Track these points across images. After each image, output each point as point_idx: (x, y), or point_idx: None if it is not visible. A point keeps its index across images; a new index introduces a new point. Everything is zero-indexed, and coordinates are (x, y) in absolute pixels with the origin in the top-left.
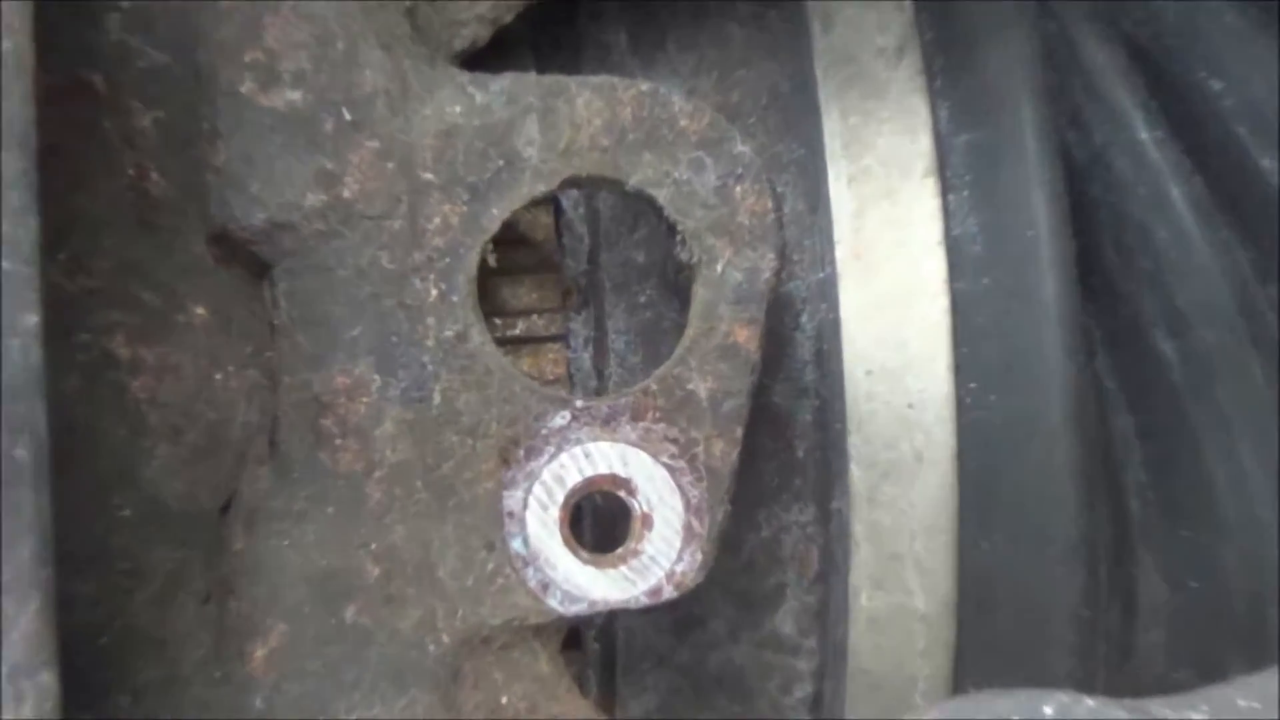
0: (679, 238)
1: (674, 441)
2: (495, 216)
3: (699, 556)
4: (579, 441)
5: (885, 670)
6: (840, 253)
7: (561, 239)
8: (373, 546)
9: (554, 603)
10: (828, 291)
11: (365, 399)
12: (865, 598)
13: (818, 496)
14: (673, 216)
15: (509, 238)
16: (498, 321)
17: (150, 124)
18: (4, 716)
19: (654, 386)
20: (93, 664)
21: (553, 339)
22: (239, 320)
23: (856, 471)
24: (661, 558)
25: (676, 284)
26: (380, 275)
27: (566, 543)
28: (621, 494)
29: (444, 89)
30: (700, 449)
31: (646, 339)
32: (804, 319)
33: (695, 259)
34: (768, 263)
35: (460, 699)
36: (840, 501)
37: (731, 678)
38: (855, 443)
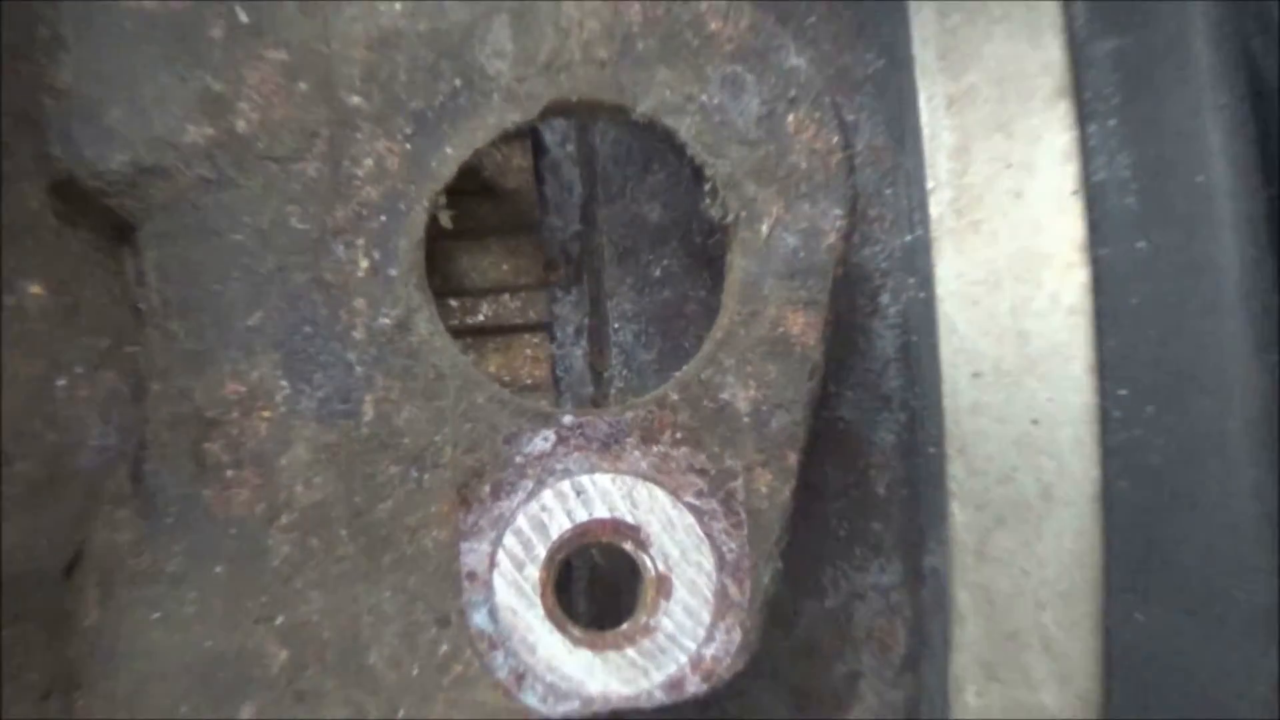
0: (708, 186)
1: (702, 473)
2: (450, 158)
3: (737, 635)
4: (568, 473)
5: None
6: (936, 206)
7: (543, 188)
8: (278, 621)
9: (533, 700)
10: (918, 261)
11: (267, 414)
12: (973, 693)
13: (904, 550)
14: (700, 157)
15: (470, 188)
16: (454, 304)
17: None
18: None
19: (674, 396)
20: None
21: (531, 328)
22: (89, 303)
23: (960, 515)
24: (684, 637)
25: (705, 251)
26: (288, 240)
27: (550, 615)
28: (628, 547)
29: None
30: (739, 484)
31: (663, 329)
32: (884, 300)
33: (731, 216)
34: (833, 221)
35: None
36: (937, 557)
37: None
38: (957, 474)
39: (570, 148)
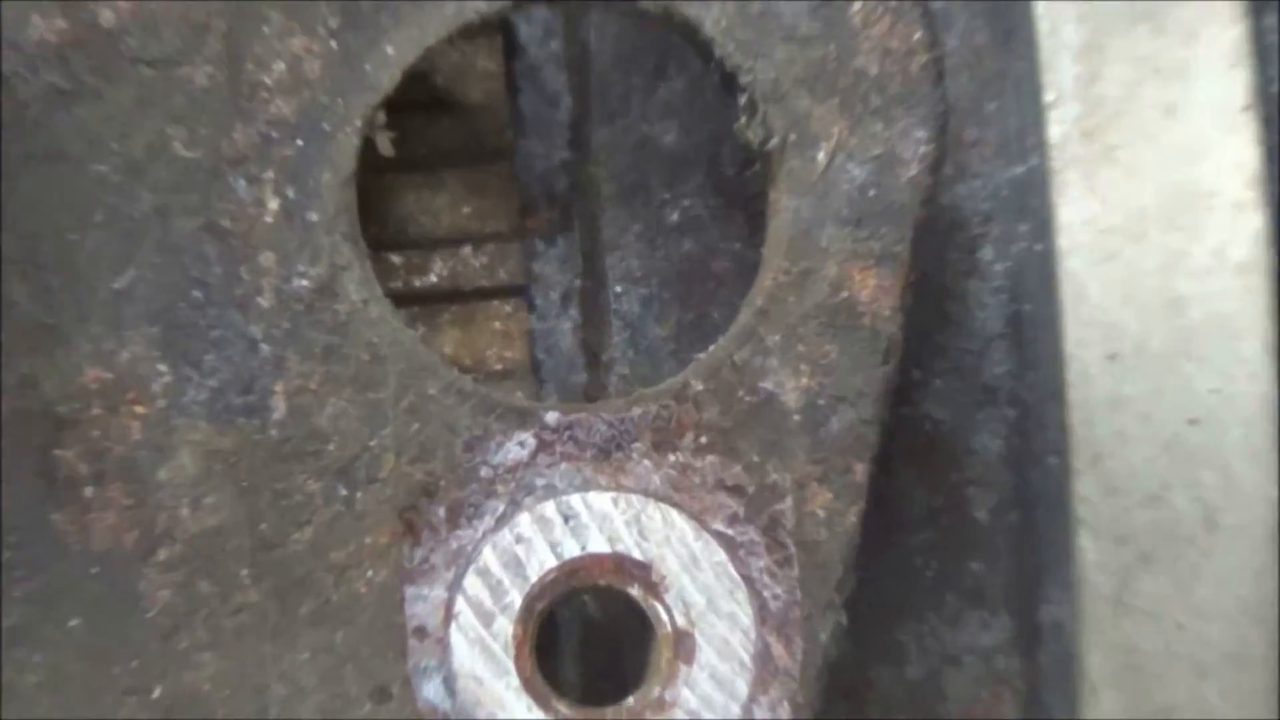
0: (744, 100)
1: (736, 491)
2: (391, 60)
3: (785, 712)
4: (553, 491)
5: None
6: (1057, 127)
7: (518, 102)
8: (155, 694)
9: None
10: (1032, 202)
11: (141, 409)
12: None
13: (1014, 599)
14: (732, 59)
15: (419, 101)
16: (397, 260)
17: None
18: None
19: (697, 385)
20: None
21: (502, 293)
22: None
23: (1092, 549)
24: (713, 714)
25: (739, 188)
26: (170, 173)
27: (528, 687)
28: (635, 592)
29: None
30: (787, 505)
31: (682, 294)
32: (986, 255)
33: (776, 141)
34: (914, 147)
35: None
36: (1059, 608)
37: None
38: (1088, 493)
39: (555, 46)
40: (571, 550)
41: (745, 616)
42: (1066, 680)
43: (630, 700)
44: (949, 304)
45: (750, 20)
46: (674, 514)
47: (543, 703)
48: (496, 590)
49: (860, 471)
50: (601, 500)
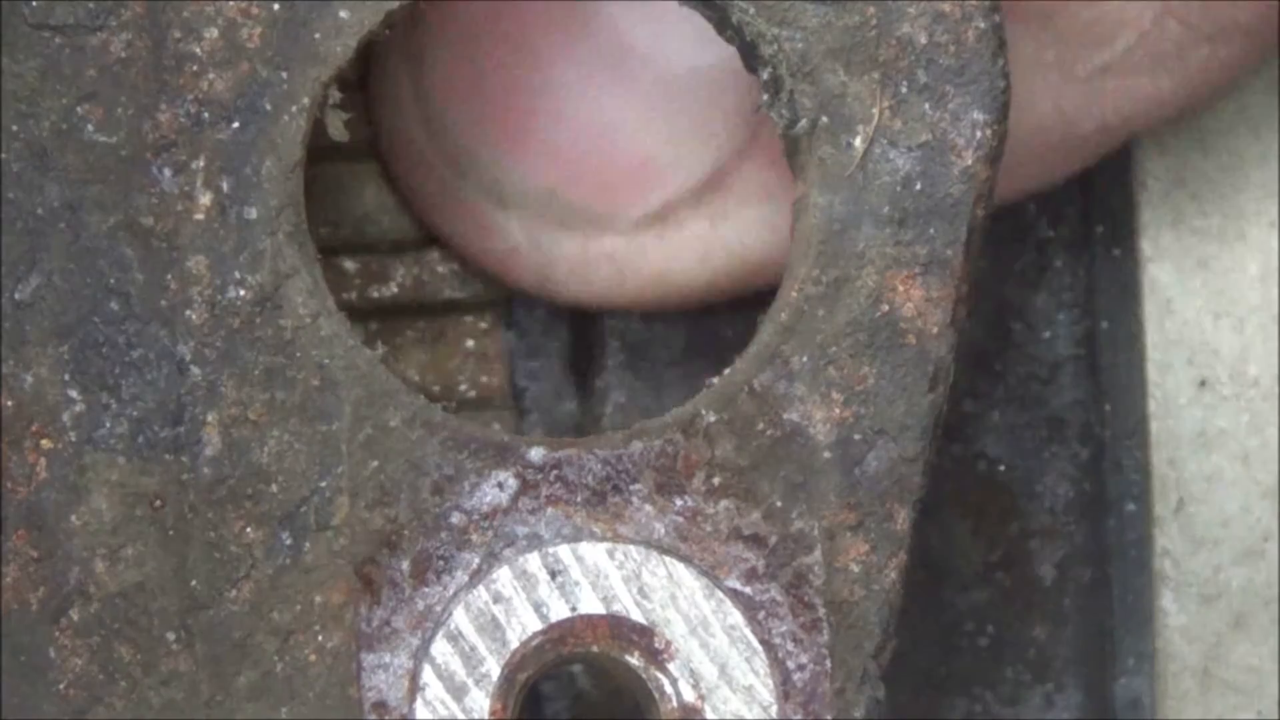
0: (766, 75)
1: (756, 541)
2: (345, 26)
3: None
4: (537, 541)
5: None
6: None
7: None
8: None
9: None
10: (1111, 197)
11: (47, 444)
12: None
13: (1085, 670)
14: (753, 26)
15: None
16: (351, 267)
17: None
18: None
19: (710, 416)
20: None
21: (476, 306)
22: None
23: (1176, 611)
24: None
25: None
26: (82, 160)
27: None
28: (635, 661)
29: None
30: (815, 559)
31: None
32: (1056, 261)
33: (804, 124)
34: (970, 131)
35: None
36: (1139, 680)
37: None
38: (1172, 546)
39: None
40: (559, 612)
41: (765, 690)
42: None
43: None
44: (1010, 320)
45: None
46: (681, 569)
47: None
48: (470, 659)
49: (902, 519)
50: (595, 552)
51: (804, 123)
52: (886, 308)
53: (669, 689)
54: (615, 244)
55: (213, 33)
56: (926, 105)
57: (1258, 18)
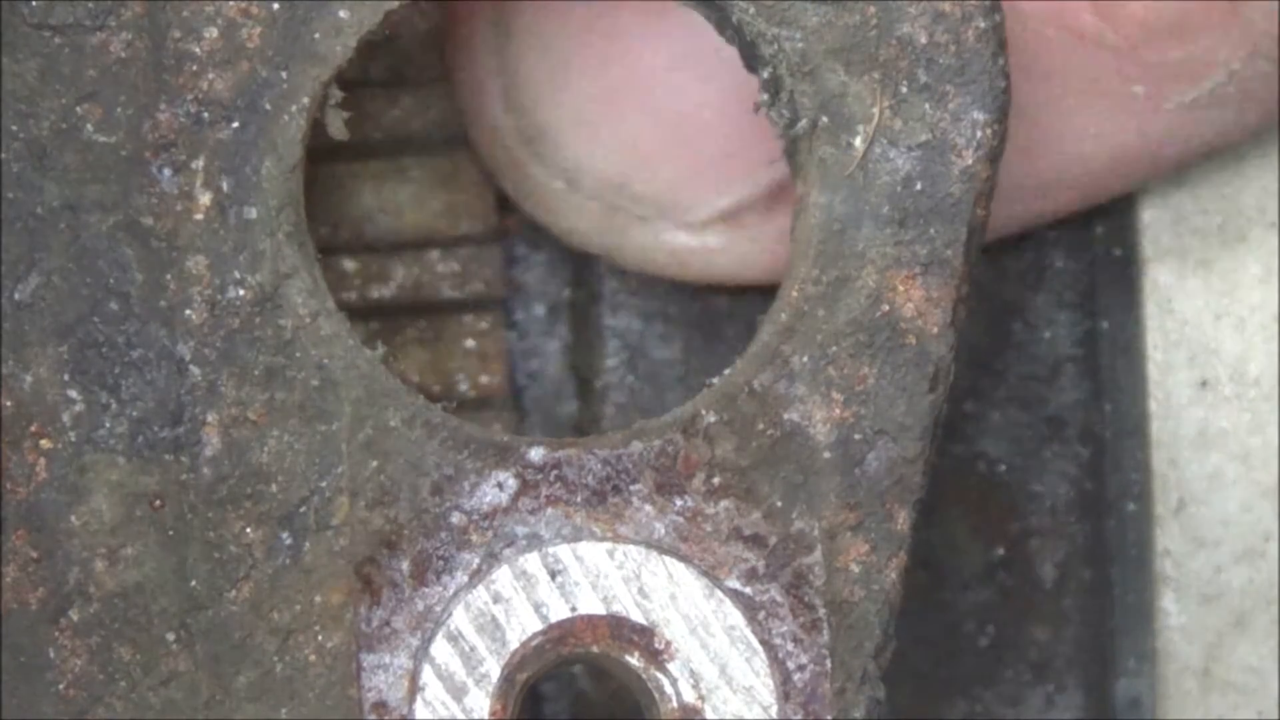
0: (765, 75)
1: (756, 542)
2: (345, 25)
3: None
4: (537, 541)
5: None
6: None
7: None
8: None
9: None
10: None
11: (47, 444)
12: None
13: (1085, 670)
14: (752, 26)
15: (378, 75)
16: (351, 266)
17: None
18: None
19: (710, 417)
20: None
21: (477, 306)
22: None
23: (1177, 612)
24: None
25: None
26: (81, 160)
27: None
28: (635, 661)
29: None
30: (815, 559)
31: (689, 305)
32: (1056, 261)
33: (804, 124)
34: (971, 131)
35: None
36: (1139, 681)
37: None
38: (1173, 546)
39: None
40: (559, 612)
41: (765, 690)
42: None
43: None
44: (1010, 320)
45: None
46: (681, 569)
47: None
48: (470, 659)
49: (902, 519)
50: (595, 552)
51: (804, 123)
52: (886, 308)
53: (669, 689)
54: (680, 239)
55: (212, 32)
56: (927, 105)
57: None
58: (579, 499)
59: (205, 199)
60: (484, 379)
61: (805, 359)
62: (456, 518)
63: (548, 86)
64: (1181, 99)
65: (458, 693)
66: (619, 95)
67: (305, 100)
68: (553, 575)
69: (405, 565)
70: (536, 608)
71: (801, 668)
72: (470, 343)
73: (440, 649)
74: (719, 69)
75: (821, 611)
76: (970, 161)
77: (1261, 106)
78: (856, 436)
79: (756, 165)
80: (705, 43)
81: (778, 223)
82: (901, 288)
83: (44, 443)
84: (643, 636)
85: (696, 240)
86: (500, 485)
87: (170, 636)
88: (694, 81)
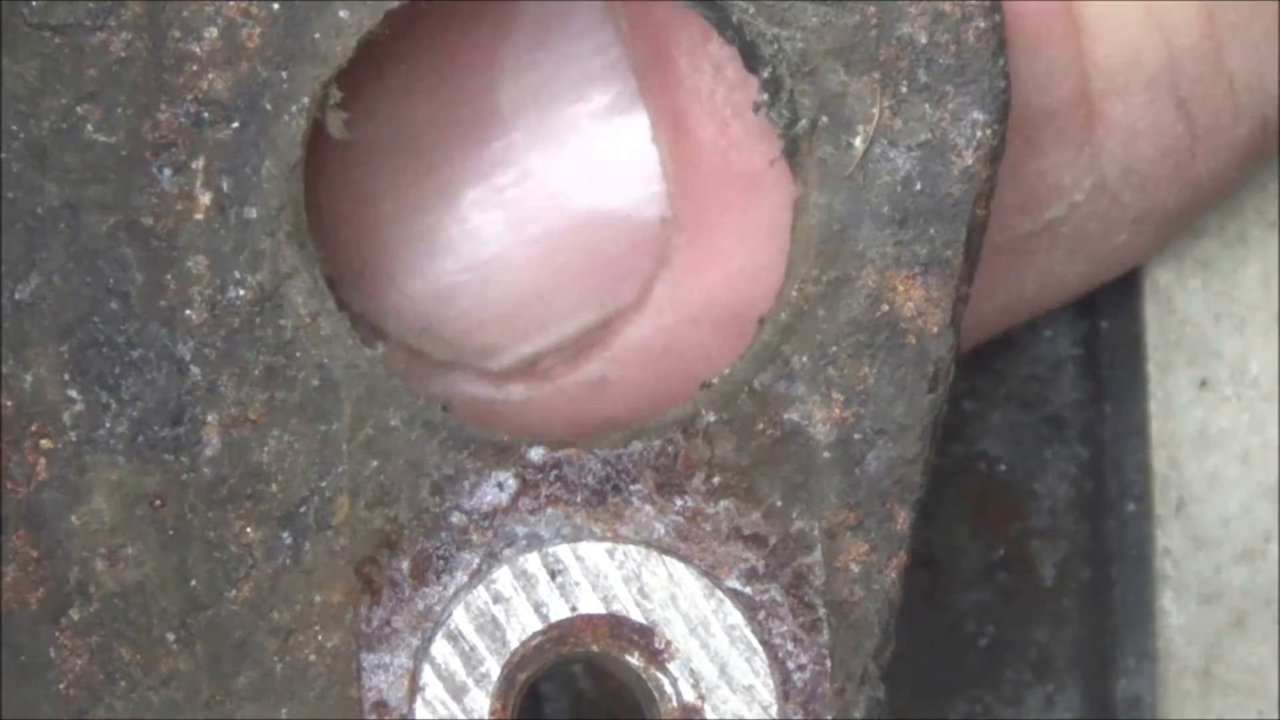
0: (765, 75)
1: (755, 541)
2: (345, 25)
3: None
4: (537, 541)
5: None
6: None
7: None
8: None
9: None
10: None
11: (47, 444)
12: None
13: (1085, 670)
14: (752, 26)
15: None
16: None
17: None
18: None
19: (709, 416)
20: None
21: None
22: None
23: (1177, 612)
24: None
25: None
26: (81, 160)
27: None
28: (635, 661)
29: None
30: (815, 559)
31: None
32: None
33: (804, 124)
34: (971, 131)
35: None
36: (1139, 681)
37: None
38: (1173, 545)
39: None
40: (559, 611)
41: (765, 690)
42: None
43: None
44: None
45: None
46: (681, 569)
47: None
48: (470, 659)
49: (902, 519)
50: (595, 552)
51: (804, 122)
52: (886, 308)
53: (669, 689)
54: (482, 391)
55: (212, 33)
56: (926, 105)
57: (1180, 208)
58: (579, 499)
59: (205, 199)
60: None
61: (805, 359)
62: (456, 518)
63: (357, 229)
64: (1021, 229)
65: (458, 693)
66: (425, 231)
67: (305, 101)
68: (553, 575)
69: (405, 565)
70: (536, 607)
71: (801, 667)
72: None
73: (440, 649)
74: (535, 203)
75: (821, 611)
76: (970, 161)
77: (1090, 261)
78: (856, 436)
79: (564, 312)
80: (523, 172)
81: (585, 375)
82: (901, 288)
83: (44, 442)
84: (643, 636)
85: (499, 393)
86: (500, 485)
87: (170, 636)
88: (505, 216)
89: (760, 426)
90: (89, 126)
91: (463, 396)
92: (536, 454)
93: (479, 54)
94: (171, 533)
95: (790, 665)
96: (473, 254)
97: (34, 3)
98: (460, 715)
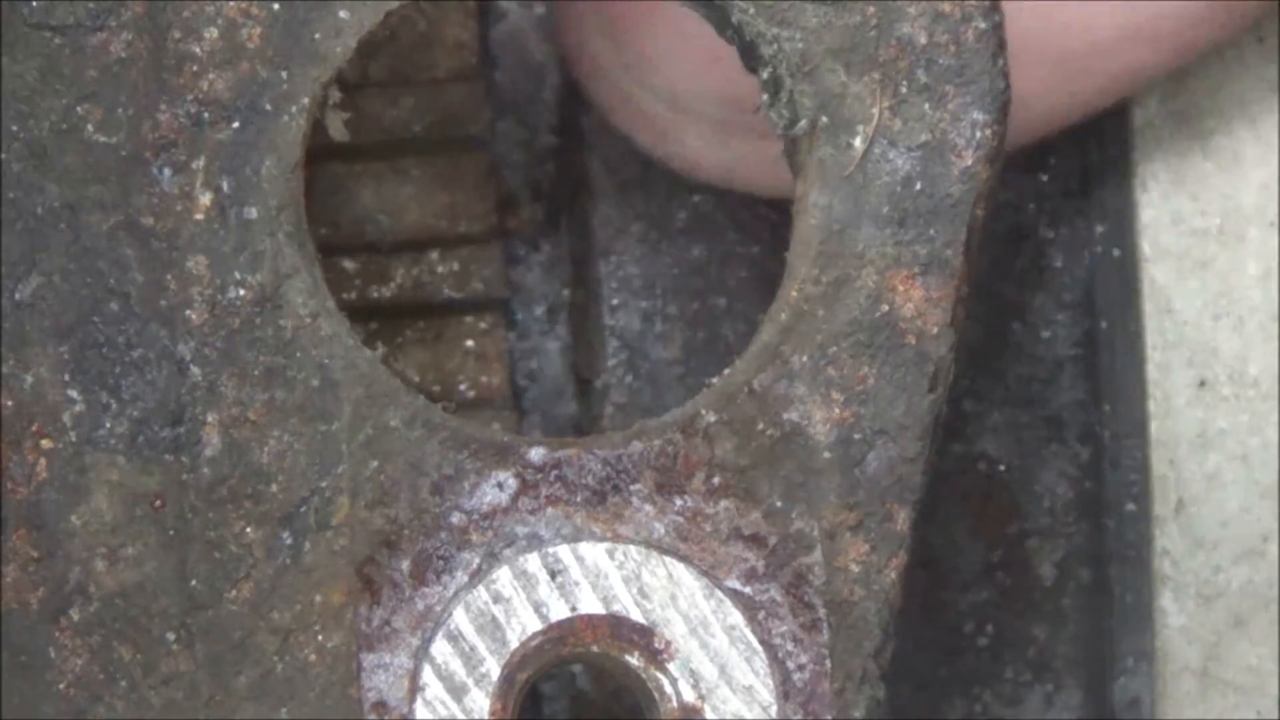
0: (765, 75)
1: (756, 541)
2: (345, 25)
3: None
4: (537, 541)
5: None
6: (1140, 109)
7: (496, 76)
8: None
9: None
10: (1109, 197)
11: (48, 442)
12: None
13: (1084, 670)
14: (751, 26)
15: (378, 76)
16: (350, 266)
17: None
18: None
19: (709, 417)
20: None
21: (477, 306)
22: None
23: (1176, 612)
24: None
25: None
26: (81, 160)
27: None
28: (634, 661)
29: None
30: (815, 559)
31: (690, 308)
32: (1055, 261)
33: (804, 125)
34: (971, 131)
35: None
36: (1138, 680)
37: None
38: (1171, 546)
39: (538, 10)
40: (559, 611)
41: (765, 690)
42: None
43: None
44: (1010, 321)
45: None
46: (681, 569)
47: None
48: (470, 659)
49: (902, 519)
50: (595, 552)
51: (804, 123)
52: (886, 308)
53: (669, 689)
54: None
55: (213, 33)
56: (926, 105)
57: None
58: (579, 499)
59: (205, 199)
60: (484, 379)
61: (805, 359)
62: (456, 518)
63: (641, 13)
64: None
65: (458, 693)
66: None
67: (305, 101)
68: (553, 575)
69: (405, 565)
70: (536, 608)
71: (801, 667)
72: (470, 343)
73: (440, 649)
74: None
75: (821, 611)
76: (970, 162)
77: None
78: (856, 436)
79: None
80: None
81: None
82: (901, 288)
83: (44, 442)
84: (643, 636)
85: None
86: (500, 485)
87: (170, 636)
88: None
89: (760, 426)
90: (89, 126)
91: (771, 154)
92: (536, 454)
93: None
94: (171, 533)
95: (790, 665)
96: None
97: (34, 3)
98: (460, 715)
